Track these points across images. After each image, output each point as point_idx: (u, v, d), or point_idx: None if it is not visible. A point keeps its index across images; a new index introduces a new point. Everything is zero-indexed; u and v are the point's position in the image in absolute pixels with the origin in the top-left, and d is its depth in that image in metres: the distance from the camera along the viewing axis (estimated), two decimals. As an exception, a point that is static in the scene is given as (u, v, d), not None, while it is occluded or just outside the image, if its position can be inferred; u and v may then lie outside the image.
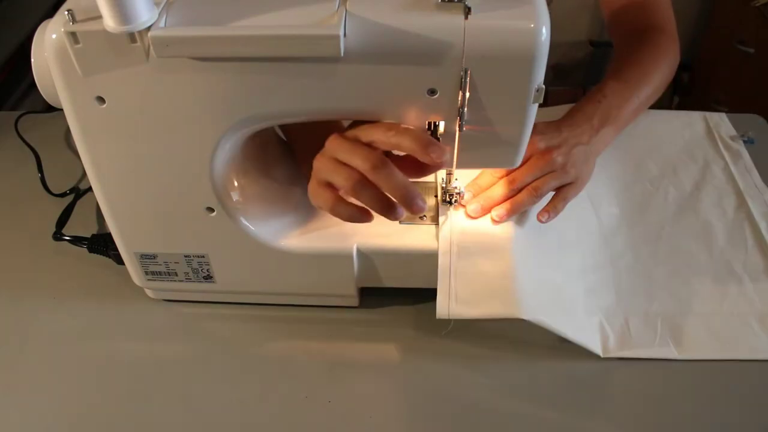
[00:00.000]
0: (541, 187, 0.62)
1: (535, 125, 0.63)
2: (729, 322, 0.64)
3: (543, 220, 0.63)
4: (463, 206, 0.64)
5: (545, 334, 0.59)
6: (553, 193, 0.65)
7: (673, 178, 0.79)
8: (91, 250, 0.71)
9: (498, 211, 0.62)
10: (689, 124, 0.87)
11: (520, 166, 0.61)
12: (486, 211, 0.63)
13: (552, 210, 0.64)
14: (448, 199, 0.64)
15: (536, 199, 0.62)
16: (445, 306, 0.59)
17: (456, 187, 0.64)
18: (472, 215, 0.63)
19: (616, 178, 0.79)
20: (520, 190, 0.63)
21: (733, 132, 0.86)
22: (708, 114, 0.88)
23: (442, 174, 0.63)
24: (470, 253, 0.61)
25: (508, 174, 0.64)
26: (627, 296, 0.66)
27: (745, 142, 0.84)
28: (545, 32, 0.47)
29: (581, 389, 0.60)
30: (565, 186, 0.64)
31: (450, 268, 0.61)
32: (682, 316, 0.64)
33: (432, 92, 0.51)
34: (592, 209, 0.74)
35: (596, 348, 0.61)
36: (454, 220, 0.63)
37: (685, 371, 0.61)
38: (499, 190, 0.63)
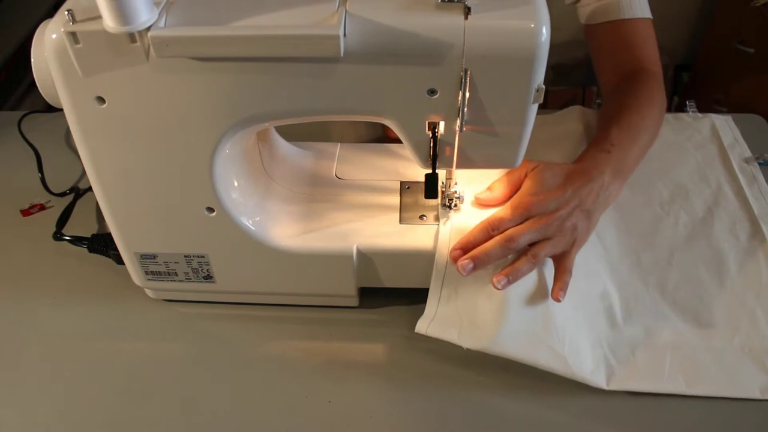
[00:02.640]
0: (538, 253, 0.60)
1: (542, 175, 0.62)
2: (741, 358, 0.61)
3: (561, 298, 0.60)
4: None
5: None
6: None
7: (685, 203, 0.76)
8: (91, 250, 0.71)
9: (499, 278, 0.59)
10: (702, 145, 0.83)
11: (520, 224, 0.60)
12: (478, 263, 0.60)
13: (564, 286, 0.61)
14: (447, 204, 0.64)
15: (535, 266, 0.60)
16: (425, 323, 0.60)
17: (456, 192, 0.64)
18: (463, 272, 0.59)
19: (625, 202, 0.75)
20: (515, 249, 0.60)
21: (749, 153, 0.82)
22: (722, 132, 0.85)
23: (442, 178, 0.63)
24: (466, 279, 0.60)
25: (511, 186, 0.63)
26: (634, 327, 0.63)
27: (761, 164, 0.81)
28: (545, 32, 0.47)
29: (582, 389, 0.60)
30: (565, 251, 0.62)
31: (443, 282, 0.61)
32: (692, 351, 0.61)
33: (432, 92, 0.51)
34: (595, 236, 0.69)
35: (601, 381, 0.59)
36: (454, 223, 0.63)
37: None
38: (497, 248, 0.59)
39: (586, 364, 0.59)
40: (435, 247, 0.62)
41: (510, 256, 0.60)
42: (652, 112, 0.74)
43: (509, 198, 0.64)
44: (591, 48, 0.85)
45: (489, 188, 0.64)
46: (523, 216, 0.61)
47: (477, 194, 0.64)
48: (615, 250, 0.70)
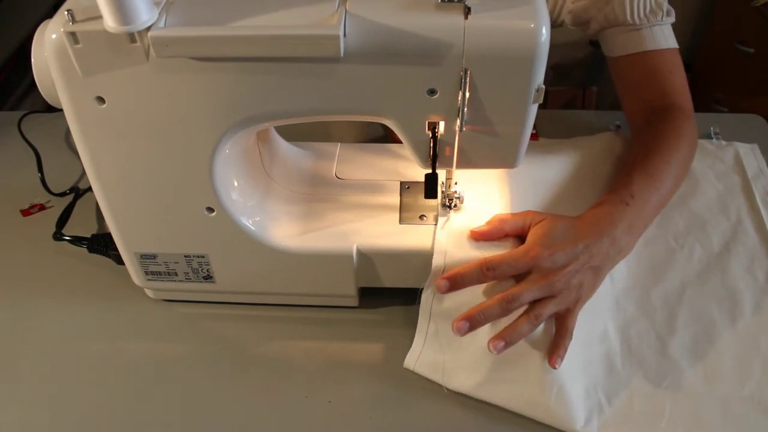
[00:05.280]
0: (541, 314, 0.57)
1: (552, 225, 0.59)
2: (750, 409, 0.57)
3: (557, 366, 0.57)
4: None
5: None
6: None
7: (701, 235, 0.71)
8: (91, 250, 0.71)
9: (495, 343, 0.56)
10: (724, 174, 0.77)
11: (521, 278, 0.58)
12: (474, 322, 0.57)
13: (562, 354, 0.57)
14: (447, 204, 0.64)
15: (536, 326, 0.57)
16: (413, 359, 0.60)
17: (456, 192, 0.64)
18: (458, 334, 0.57)
19: None
20: (515, 309, 0.57)
21: None
22: (746, 162, 0.79)
23: (442, 177, 0.63)
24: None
25: (510, 229, 0.61)
26: (634, 370, 0.60)
27: None
28: (545, 32, 0.47)
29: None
30: (567, 309, 0.59)
31: (429, 316, 0.60)
32: (696, 398, 0.58)
33: (432, 92, 0.51)
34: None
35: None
36: (453, 224, 0.63)
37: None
38: (494, 306, 0.57)
39: (578, 416, 0.56)
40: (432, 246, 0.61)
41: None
42: (678, 153, 0.70)
43: (504, 236, 0.61)
44: (616, 80, 0.81)
45: (487, 223, 0.61)
46: (528, 266, 0.57)
47: (472, 229, 0.61)
48: (623, 283, 0.67)
